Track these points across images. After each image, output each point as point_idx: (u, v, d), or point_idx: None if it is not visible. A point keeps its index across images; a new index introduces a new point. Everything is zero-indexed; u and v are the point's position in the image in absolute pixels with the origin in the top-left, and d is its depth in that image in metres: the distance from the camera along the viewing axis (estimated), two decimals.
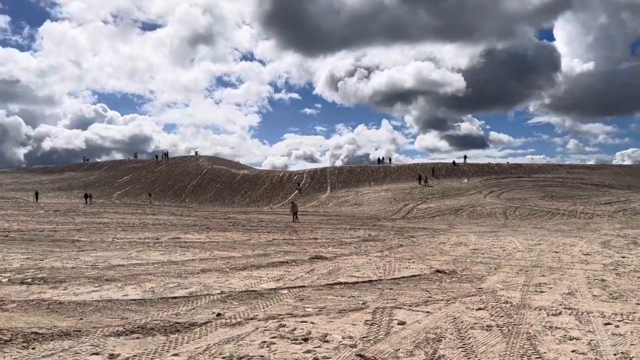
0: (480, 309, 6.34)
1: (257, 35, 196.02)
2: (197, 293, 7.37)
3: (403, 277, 8.97)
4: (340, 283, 8.28)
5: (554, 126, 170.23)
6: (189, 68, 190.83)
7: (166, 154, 78.51)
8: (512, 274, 9.47)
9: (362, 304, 6.62)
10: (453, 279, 8.93)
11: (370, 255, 12.37)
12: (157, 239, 16.03)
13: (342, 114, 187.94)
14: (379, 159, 67.44)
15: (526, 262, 11.08)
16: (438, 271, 9.67)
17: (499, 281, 8.58)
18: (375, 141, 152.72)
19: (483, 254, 12.97)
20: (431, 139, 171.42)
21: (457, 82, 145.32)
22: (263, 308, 6.34)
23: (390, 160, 67.74)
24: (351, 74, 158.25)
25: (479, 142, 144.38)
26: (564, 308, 6.25)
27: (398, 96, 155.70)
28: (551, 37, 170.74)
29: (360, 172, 59.49)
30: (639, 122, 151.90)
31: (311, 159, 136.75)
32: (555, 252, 13.18)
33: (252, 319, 5.83)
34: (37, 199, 48.29)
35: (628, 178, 54.82)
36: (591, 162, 72.64)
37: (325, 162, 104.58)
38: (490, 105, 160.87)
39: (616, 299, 6.83)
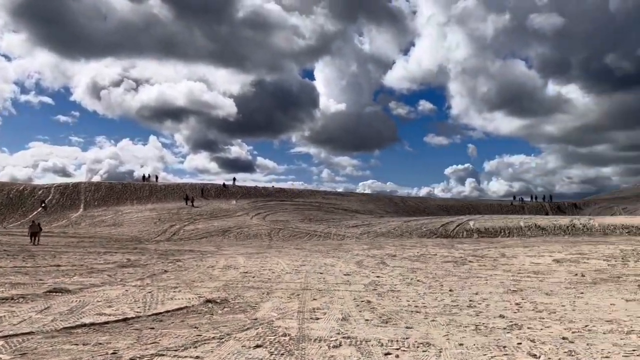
0: (258, 346, 5.55)
1: (4, 26, 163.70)
2: None
3: (167, 312, 7.64)
4: (85, 325, 6.50)
5: (311, 156, 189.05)
6: None
7: None
8: (285, 298, 9.07)
9: (112, 354, 5.12)
10: (225, 309, 8.01)
11: (127, 285, 10.55)
12: None
13: (104, 126, 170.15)
14: (144, 177, 63.04)
15: (296, 285, 10.93)
16: (208, 301, 8.63)
17: (274, 308, 8.02)
18: (142, 157, 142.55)
19: (254, 277, 12.47)
20: (201, 159, 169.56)
21: (229, 107, 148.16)
22: None
23: (157, 178, 63.98)
24: (117, 84, 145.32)
25: (247, 166, 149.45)
26: (343, 337, 5.93)
27: (168, 113, 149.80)
28: (312, 77, 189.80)
29: (121, 190, 54.38)
30: (377, 158, 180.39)
31: (63, 172, 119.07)
32: (320, 273, 13.54)
33: None
34: None
35: (370, 205, 63.50)
36: (340, 190, 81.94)
37: (80, 177, 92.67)
38: (258, 132, 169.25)
39: (386, 322, 6.89)
